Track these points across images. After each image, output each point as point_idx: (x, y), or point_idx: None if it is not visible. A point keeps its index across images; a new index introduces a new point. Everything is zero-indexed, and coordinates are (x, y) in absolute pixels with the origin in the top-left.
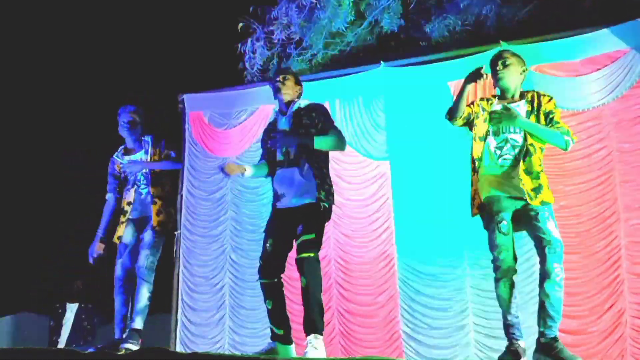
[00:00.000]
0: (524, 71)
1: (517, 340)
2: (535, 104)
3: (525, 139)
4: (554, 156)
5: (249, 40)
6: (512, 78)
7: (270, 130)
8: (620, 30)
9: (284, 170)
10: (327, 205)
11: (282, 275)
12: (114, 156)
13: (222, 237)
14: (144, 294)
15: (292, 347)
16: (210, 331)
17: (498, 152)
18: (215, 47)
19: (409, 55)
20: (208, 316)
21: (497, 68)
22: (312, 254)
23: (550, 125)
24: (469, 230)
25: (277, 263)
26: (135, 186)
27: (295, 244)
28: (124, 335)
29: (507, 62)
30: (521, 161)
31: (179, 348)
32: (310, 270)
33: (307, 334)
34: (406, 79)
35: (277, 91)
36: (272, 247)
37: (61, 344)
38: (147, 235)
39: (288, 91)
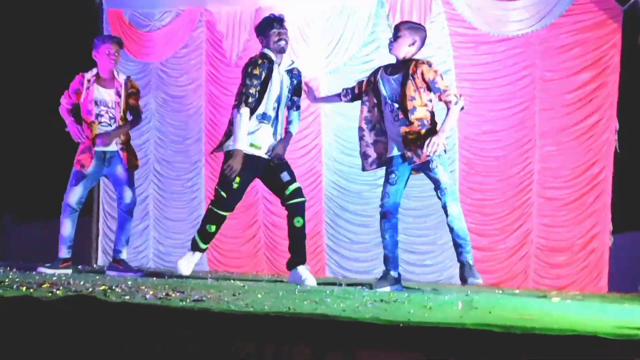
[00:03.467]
0: (413, 44)
1: (389, 271)
2: (410, 72)
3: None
4: (481, 80)
5: None
6: (397, 50)
7: (265, 73)
8: None
9: (266, 126)
10: None
11: None
12: (86, 79)
13: (145, 147)
14: (129, 228)
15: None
16: (134, 241)
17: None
18: None
19: None
20: (132, 226)
21: (391, 39)
22: (305, 199)
23: (438, 94)
24: None
25: (239, 198)
26: (98, 117)
27: (280, 190)
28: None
29: (399, 34)
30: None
31: (100, 257)
32: (304, 210)
33: (300, 264)
34: None
35: (281, 50)
36: (239, 185)
37: None
38: (122, 172)
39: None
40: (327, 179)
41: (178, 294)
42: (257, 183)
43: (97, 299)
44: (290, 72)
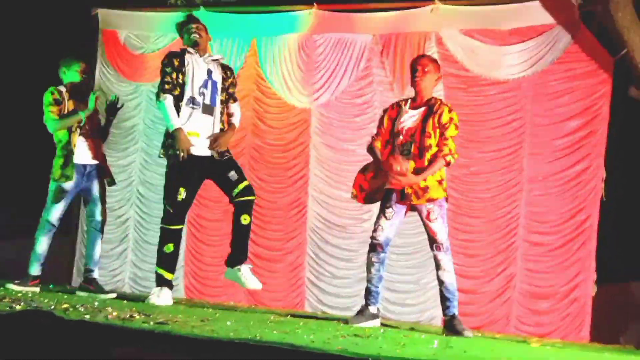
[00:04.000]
0: (438, 78)
1: (368, 305)
2: (434, 109)
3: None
4: (471, 122)
5: None
6: (425, 84)
7: (181, 61)
8: (549, 5)
9: (197, 112)
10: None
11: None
12: (63, 92)
13: (130, 168)
14: (99, 246)
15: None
16: (110, 263)
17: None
18: None
19: (344, 0)
20: (109, 248)
21: (417, 74)
22: (254, 198)
23: (440, 137)
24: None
25: (188, 209)
26: (77, 129)
27: (236, 187)
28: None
29: (427, 69)
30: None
31: (75, 277)
32: (252, 209)
33: (241, 263)
34: (338, 25)
35: (194, 44)
36: (184, 197)
37: None
38: (97, 189)
39: (203, 44)
40: (312, 211)
41: (143, 316)
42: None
43: (54, 315)
44: (217, 62)
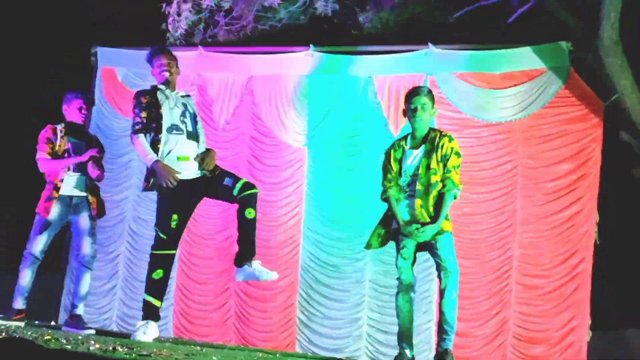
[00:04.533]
0: (434, 113)
1: (405, 349)
2: (435, 143)
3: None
4: (464, 163)
5: (175, 0)
6: (425, 121)
7: (149, 98)
8: (540, 50)
9: (181, 138)
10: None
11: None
12: (58, 129)
13: (123, 204)
14: (87, 281)
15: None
16: (98, 301)
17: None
18: (137, 2)
19: (340, 42)
20: (98, 285)
21: (415, 110)
22: (258, 190)
23: (443, 169)
24: (375, 224)
25: (181, 234)
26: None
27: (234, 188)
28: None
29: (425, 108)
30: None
31: (62, 314)
32: (256, 202)
33: (250, 259)
34: (334, 65)
35: (165, 82)
36: (177, 223)
37: None
38: (85, 222)
39: (174, 80)
40: (305, 250)
41: (126, 349)
42: (232, 248)
43: (34, 344)
44: (185, 96)
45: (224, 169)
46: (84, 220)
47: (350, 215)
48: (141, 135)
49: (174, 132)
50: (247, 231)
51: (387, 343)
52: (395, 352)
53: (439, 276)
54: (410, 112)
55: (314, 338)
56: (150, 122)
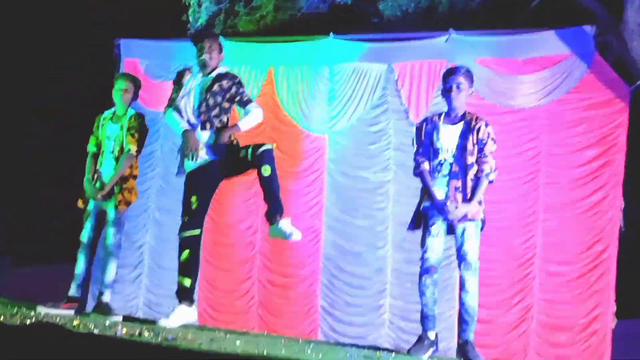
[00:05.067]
0: (472, 92)
1: (427, 331)
2: (471, 125)
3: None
4: None
5: None
6: (461, 101)
7: (181, 79)
8: (564, 35)
9: (199, 131)
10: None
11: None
12: (103, 116)
13: (147, 194)
14: (112, 269)
15: (194, 308)
16: (124, 288)
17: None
18: None
19: (360, 30)
20: (124, 273)
21: (450, 89)
22: (272, 146)
23: (479, 154)
24: (396, 214)
25: (203, 214)
26: (103, 154)
27: (247, 154)
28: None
29: (461, 87)
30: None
31: (90, 302)
32: (272, 158)
33: (278, 218)
34: (354, 54)
35: (203, 65)
36: (197, 203)
37: None
38: (111, 211)
39: (213, 62)
40: (327, 238)
41: (152, 333)
42: (254, 237)
43: (62, 327)
44: (216, 77)
45: (238, 145)
46: (110, 208)
47: (372, 203)
48: (167, 110)
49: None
50: (267, 189)
51: (410, 330)
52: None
53: (459, 267)
54: (445, 90)
55: (336, 325)
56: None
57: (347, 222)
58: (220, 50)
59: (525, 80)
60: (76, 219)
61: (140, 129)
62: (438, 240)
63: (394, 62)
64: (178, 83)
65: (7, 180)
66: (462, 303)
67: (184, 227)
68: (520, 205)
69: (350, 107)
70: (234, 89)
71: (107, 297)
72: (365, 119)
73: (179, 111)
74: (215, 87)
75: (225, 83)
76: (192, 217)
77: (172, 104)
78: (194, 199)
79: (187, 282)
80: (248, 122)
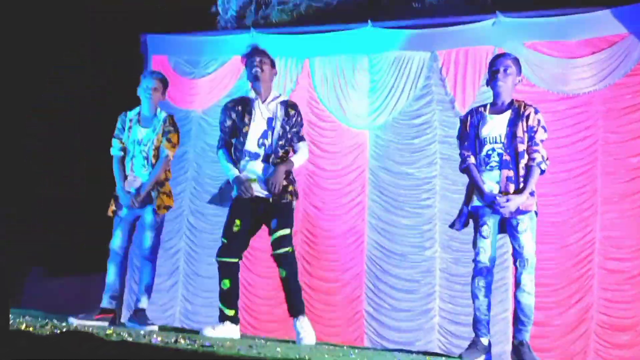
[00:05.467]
0: (519, 81)
1: (480, 337)
2: (520, 113)
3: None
4: None
5: None
6: (507, 86)
7: (242, 109)
8: (621, 13)
9: (254, 162)
10: (296, 200)
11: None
12: (128, 118)
13: (180, 198)
14: (147, 274)
15: (238, 327)
16: (160, 298)
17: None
18: None
19: (399, 17)
20: (159, 282)
21: (498, 75)
22: (289, 249)
23: (529, 142)
24: (443, 211)
25: (244, 243)
26: (133, 158)
27: (270, 237)
28: (135, 315)
29: (509, 71)
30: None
31: (124, 313)
32: (288, 263)
33: (295, 316)
34: (394, 42)
35: (255, 78)
36: (240, 228)
37: None
38: (149, 214)
39: (266, 79)
40: (370, 239)
41: (188, 341)
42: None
43: (94, 336)
44: (281, 104)
45: (288, 207)
46: (147, 213)
47: (417, 201)
48: (221, 152)
49: (246, 156)
50: (284, 289)
51: (461, 335)
52: (467, 343)
53: (515, 264)
54: (491, 76)
55: (382, 331)
56: (230, 138)
57: (392, 221)
58: (273, 65)
59: (579, 63)
60: (106, 227)
61: (177, 133)
62: (490, 241)
63: (438, 50)
64: (223, 119)
65: (42, 194)
66: (517, 302)
67: (222, 251)
68: (576, 199)
69: (392, 99)
70: (297, 123)
71: (143, 304)
72: (408, 111)
73: (229, 148)
74: (284, 116)
75: (292, 113)
76: (232, 241)
77: (220, 145)
78: (238, 222)
79: (231, 312)
80: (299, 160)
